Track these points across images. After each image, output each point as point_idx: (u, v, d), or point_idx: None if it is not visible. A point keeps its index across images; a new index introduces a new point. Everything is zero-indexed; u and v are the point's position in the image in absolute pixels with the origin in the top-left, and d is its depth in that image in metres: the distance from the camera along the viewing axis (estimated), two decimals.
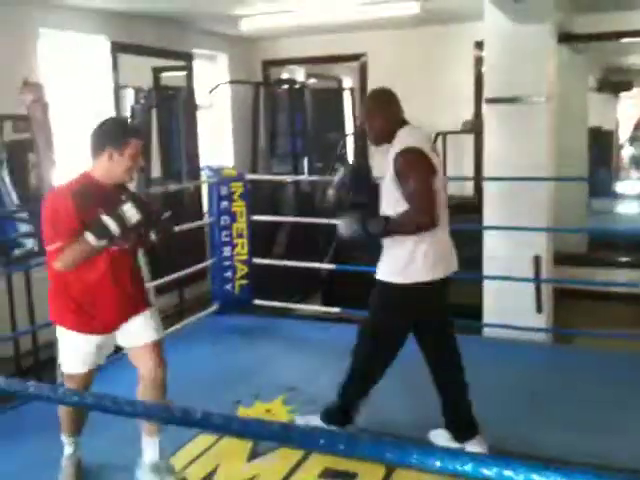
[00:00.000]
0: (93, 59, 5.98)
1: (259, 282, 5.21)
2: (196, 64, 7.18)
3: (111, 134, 2.64)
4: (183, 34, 6.83)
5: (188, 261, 5.29)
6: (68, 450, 2.94)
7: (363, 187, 3.06)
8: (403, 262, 2.87)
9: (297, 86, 7.47)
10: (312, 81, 8.84)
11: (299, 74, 8.72)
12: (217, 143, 7.55)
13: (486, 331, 4.99)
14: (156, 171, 7.15)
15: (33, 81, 4.23)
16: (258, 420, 1.20)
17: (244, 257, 5.04)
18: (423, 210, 2.76)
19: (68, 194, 2.59)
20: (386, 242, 2.94)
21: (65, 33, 5.57)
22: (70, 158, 5.60)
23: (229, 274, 5.04)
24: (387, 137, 2.92)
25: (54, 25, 5.38)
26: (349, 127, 8.39)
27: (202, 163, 6.80)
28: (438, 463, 0.96)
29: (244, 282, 5.08)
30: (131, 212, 2.53)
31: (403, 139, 2.86)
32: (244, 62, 7.77)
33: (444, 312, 3.12)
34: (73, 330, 2.72)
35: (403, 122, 2.93)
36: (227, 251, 5.01)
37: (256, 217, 5.15)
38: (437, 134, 6.80)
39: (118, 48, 6.03)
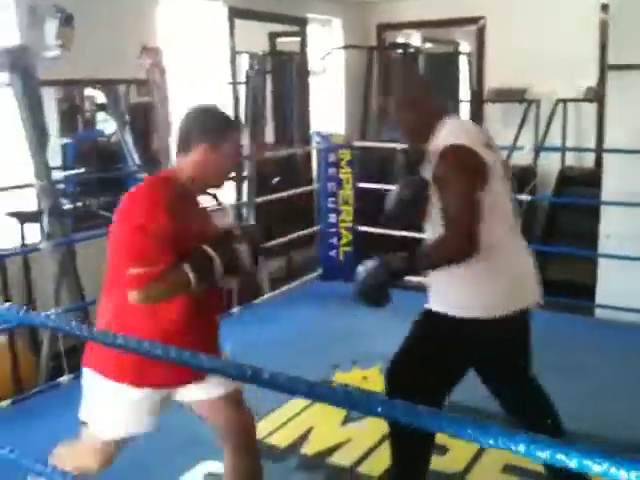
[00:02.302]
0: (210, 25, 6.10)
1: (364, 250, 5.21)
2: (310, 29, 7.18)
3: (208, 126, 2.08)
4: None
5: (298, 226, 5.39)
6: None
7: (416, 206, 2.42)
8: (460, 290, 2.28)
9: (411, 50, 7.31)
10: (428, 45, 8.63)
11: (415, 38, 8.53)
12: (329, 109, 7.54)
13: (598, 312, 4.77)
14: (270, 136, 7.29)
15: (151, 46, 4.37)
16: (336, 388, 1.20)
17: (349, 224, 5.06)
18: (458, 234, 2.13)
19: (166, 200, 1.95)
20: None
21: None
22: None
23: (334, 240, 5.08)
24: (423, 134, 2.32)
25: None
26: (464, 92, 8.16)
27: (313, 129, 6.85)
28: (491, 441, 0.94)
29: (348, 249, 5.11)
30: (246, 257, 2.00)
31: (445, 135, 2.26)
32: (358, 26, 7.69)
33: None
34: (131, 382, 2.05)
35: (442, 115, 2.33)
36: (332, 218, 5.05)
37: (362, 184, 5.14)
38: (557, 101, 6.51)
39: (235, 13, 6.12)
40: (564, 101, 6.48)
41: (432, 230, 2.32)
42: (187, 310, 2.02)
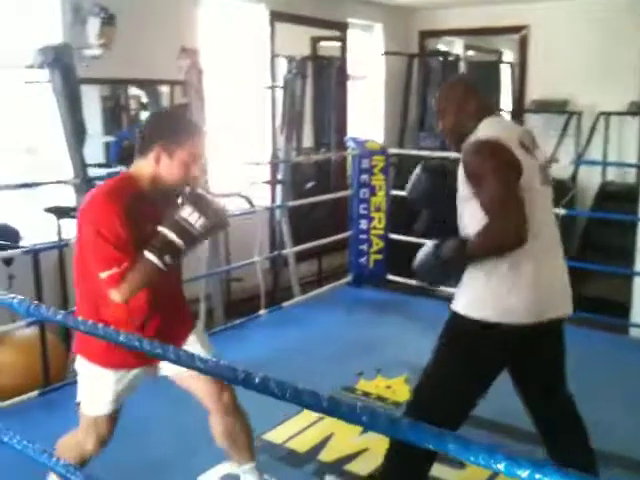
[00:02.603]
0: (252, 27, 6.14)
1: (395, 257, 5.19)
2: (352, 34, 7.18)
3: (165, 131, 2.10)
4: (339, 3, 6.83)
5: (330, 231, 5.39)
6: None
7: (439, 199, 2.44)
8: (489, 292, 2.20)
9: (451, 58, 7.26)
10: (470, 53, 8.55)
11: (457, 46, 8.48)
12: (368, 115, 7.53)
13: (633, 331, 4.66)
14: (308, 140, 7.30)
15: (190, 47, 4.41)
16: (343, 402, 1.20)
17: (380, 231, 5.04)
18: (505, 221, 2.07)
19: (117, 207, 2.02)
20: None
21: (225, 1, 5.74)
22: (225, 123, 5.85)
23: (364, 247, 5.07)
24: (463, 136, 2.28)
25: None
26: (506, 102, 8.07)
27: (351, 135, 6.84)
28: (472, 458, 0.92)
29: (378, 256, 5.09)
30: (193, 216, 2.02)
31: (480, 131, 2.24)
32: (400, 32, 7.66)
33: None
34: (106, 365, 2.24)
35: (484, 116, 2.29)
36: (364, 224, 5.03)
37: (395, 192, 5.11)
38: (599, 114, 6.39)
39: (276, 17, 6.15)
40: (607, 114, 6.36)
41: (463, 231, 2.28)
42: (145, 296, 2.14)
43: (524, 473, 0.87)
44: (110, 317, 2.11)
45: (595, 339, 4.55)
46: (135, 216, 2.04)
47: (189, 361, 1.32)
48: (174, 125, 2.13)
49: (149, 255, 2.02)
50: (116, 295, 2.04)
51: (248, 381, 1.17)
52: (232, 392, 2.41)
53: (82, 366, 2.27)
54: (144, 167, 2.11)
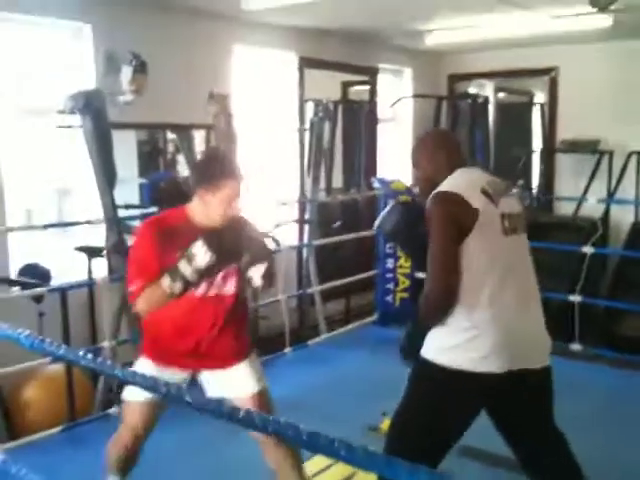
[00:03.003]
0: (282, 73, 6.31)
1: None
2: (381, 78, 7.31)
3: (204, 172, 2.46)
4: (368, 49, 6.97)
5: (357, 270, 5.42)
6: None
7: (406, 234, 2.51)
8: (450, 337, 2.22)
9: (480, 100, 7.31)
10: (500, 95, 8.60)
11: (488, 88, 8.54)
12: (397, 156, 7.60)
13: None
14: (338, 181, 7.39)
15: (218, 92, 4.55)
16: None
17: (407, 270, 5.05)
18: (436, 283, 2.14)
19: (153, 233, 2.43)
20: None
21: (257, 48, 5.92)
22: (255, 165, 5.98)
23: (390, 286, 5.07)
24: (434, 187, 2.28)
25: (247, 41, 5.73)
26: (537, 143, 8.06)
27: (380, 175, 6.90)
28: None
29: (404, 295, 5.09)
30: (201, 253, 2.28)
31: (444, 183, 2.27)
32: (429, 76, 7.77)
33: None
34: (149, 357, 2.59)
35: (455, 168, 2.32)
36: (390, 263, 5.05)
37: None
38: (630, 153, 6.35)
39: (305, 63, 6.31)
40: (638, 153, 6.31)
41: None
42: (173, 311, 2.45)
43: None
44: (150, 328, 2.57)
45: (628, 379, 4.46)
46: (170, 244, 2.37)
47: (179, 398, 1.34)
48: (212, 170, 2.44)
49: (163, 279, 2.32)
50: (136, 307, 2.42)
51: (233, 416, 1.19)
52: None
53: (138, 361, 2.63)
54: (195, 205, 2.47)
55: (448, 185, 2.24)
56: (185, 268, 2.29)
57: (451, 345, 2.20)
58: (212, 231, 2.37)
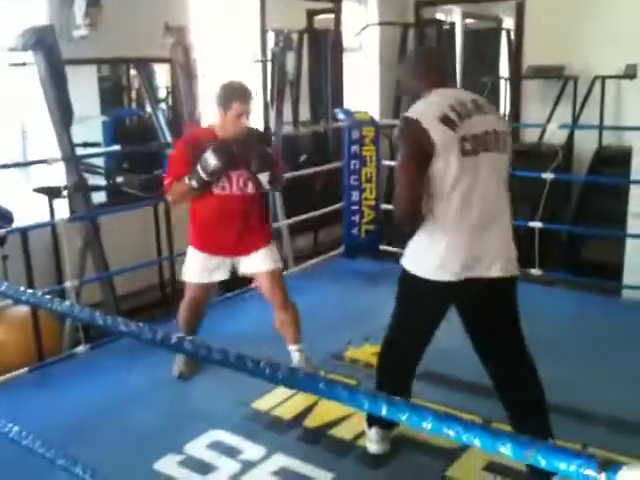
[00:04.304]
0: (243, 2, 6.12)
1: (386, 228, 5.22)
2: (346, 5, 7.13)
3: (221, 96, 3.12)
4: None
5: (328, 204, 5.41)
6: None
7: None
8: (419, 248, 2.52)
9: (446, 27, 7.20)
10: (468, 21, 8.48)
11: (455, 14, 8.40)
12: (364, 86, 7.51)
13: (626, 293, 4.68)
14: (305, 114, 7.29)
15: (175, 25, 4.42)
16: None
17: (372, 202, 5.06)
18: (396, 199, 2.43)
19: (184, 143, 3.22)
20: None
21: None
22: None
23: (356, 218, 5.10)
24: (414, 99, 2.53)
25: None
26: (504, 70, 8.01)
27: (347, 106, 6.83)
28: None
29: (370, 227, 5.12)
30: (210, 158, 3.01)
31: (415, 104, 2.47)
32: (395, 2, 7.58)
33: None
34: (196, 248, 3.33)
35: (435, 87, 2.49)
36: (355, 195, 5.05)
37: (386, 162, 5.13)
38: (595, 78, 6.33)
39: None
40: (602, 78, 6.29)
41: None
42: (218, 207, 3.19)
43: (476, 441, 0.92)
44: (199, 218, 3.28)
45: (588, 301, 4.59)
46: (199, 153, 3.06)
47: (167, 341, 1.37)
48: (226, 92, 3.11)
49: (186, 177, 3.09)
50: (167, 197, 3.27)
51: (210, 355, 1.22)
52: (281, 292, 3.36)
53: (189, 249, 3.37)
54: (217, 122, 3.17)
55: (414, 110, 2.43)
56: (199, 169, 3.04)
57: (413, 252, 2.52)
58: (222, 141, 3.09)
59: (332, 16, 7.12)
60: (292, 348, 3.45)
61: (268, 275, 3.32)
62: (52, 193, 4.17)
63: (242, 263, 3.34)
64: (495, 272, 2.43)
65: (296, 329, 3.43)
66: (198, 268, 3.34)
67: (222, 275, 3.40)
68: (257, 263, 3.31)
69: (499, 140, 2.44)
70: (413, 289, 2.54)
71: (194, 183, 3.09)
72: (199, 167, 3.04)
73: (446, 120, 2.35)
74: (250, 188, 3.21)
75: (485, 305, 2.53)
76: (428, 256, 2.45)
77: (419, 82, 2.52)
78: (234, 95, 3.09)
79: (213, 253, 3.30)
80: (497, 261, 2.44)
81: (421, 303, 2.56)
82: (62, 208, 4.38)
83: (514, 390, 2.57)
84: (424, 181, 2.36)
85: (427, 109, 2.41)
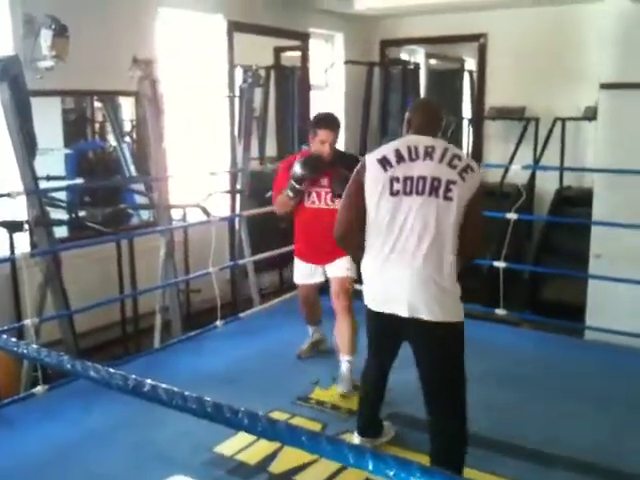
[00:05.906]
0: (210, 38, 6.14)
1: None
2: (313, 43, 7.21)
3: (312, 122, 3.71)
4: (299, 12, 6.86)
5: (292, 240, 5.35)
6: (310, 332, 4.26)
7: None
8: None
9: (411, 67, 7.33)
10: (432, 62, 8.64)
11: (419, 54, 8.56)
12: None
13: (588, 334, 4.72)
14: (272, 150, 7.29)
15: (142, 58, 4.38)
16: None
17: None
18: (336, 220, 2.80)
19: (286, 163, 3.81)
20: None
21: (182, 11, 5.74)
22: (184, 133, 5.84)
23: None
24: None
25: (172, 4, 5.54)
26: (467, 110, 8.16)
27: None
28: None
29: None
30: (297, 167, 3.59)
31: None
32: (361, 41, 7.71)
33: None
34: (296, 255, 3.97)
35: (409, 133, 2.74)
36: None
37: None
38: (555, 120, 6.49)
39: (234, 27, 6.16)
40: (562, 120, 6.45)
41: None
42: (310, 220, 3.78)
43: None
44: (297, 230, 3.92)
45: (551, 342, 4.61)
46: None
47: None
48: (314, 120, 3.71)
49: (285, 189, 3.68)
50: (274, 207, 3.88)
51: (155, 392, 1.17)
52: (343, 299, 3.76)
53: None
54: (311, 145, 3.69)
55: (373, 150, 2.73)
56: (290, 178, 3.61)
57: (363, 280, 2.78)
58: (307, 156, 3.66)
59: (299, 53, 7.20)
60: (341, 358, 3.74)
61: (339, 281, 3.79)
62: (13, 227, 4.06)
63: (327, 269, 3.88)
64: (403, 312, 2.55)
65: (347, 340, 3.73)
66: (298, 274, 3.99)
67: (319, 278, 3.95)
68: (335, 270, 3.82)
69: (436, 186, 2.50)
70: (366, 317, 2.80)
71: (289, 192, 3.67)
72: (290, 176, 3.62)
73: (383, 161, 2.60)
74: (336, 203, 3.50)
75: (411, 344, 2.68)
76: (365, 284, 2.72)
77: (405, 126, 2.77)
78: (321, 123, 3.64)
79: (311, 261, 3.90)
80: (406, 302, 2.53)
81: (369, 333, 2.86)
82: (23, 242, 4.26)
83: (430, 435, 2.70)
84: (362, 209, 2.63)
85: (378, 150, 2.68)
